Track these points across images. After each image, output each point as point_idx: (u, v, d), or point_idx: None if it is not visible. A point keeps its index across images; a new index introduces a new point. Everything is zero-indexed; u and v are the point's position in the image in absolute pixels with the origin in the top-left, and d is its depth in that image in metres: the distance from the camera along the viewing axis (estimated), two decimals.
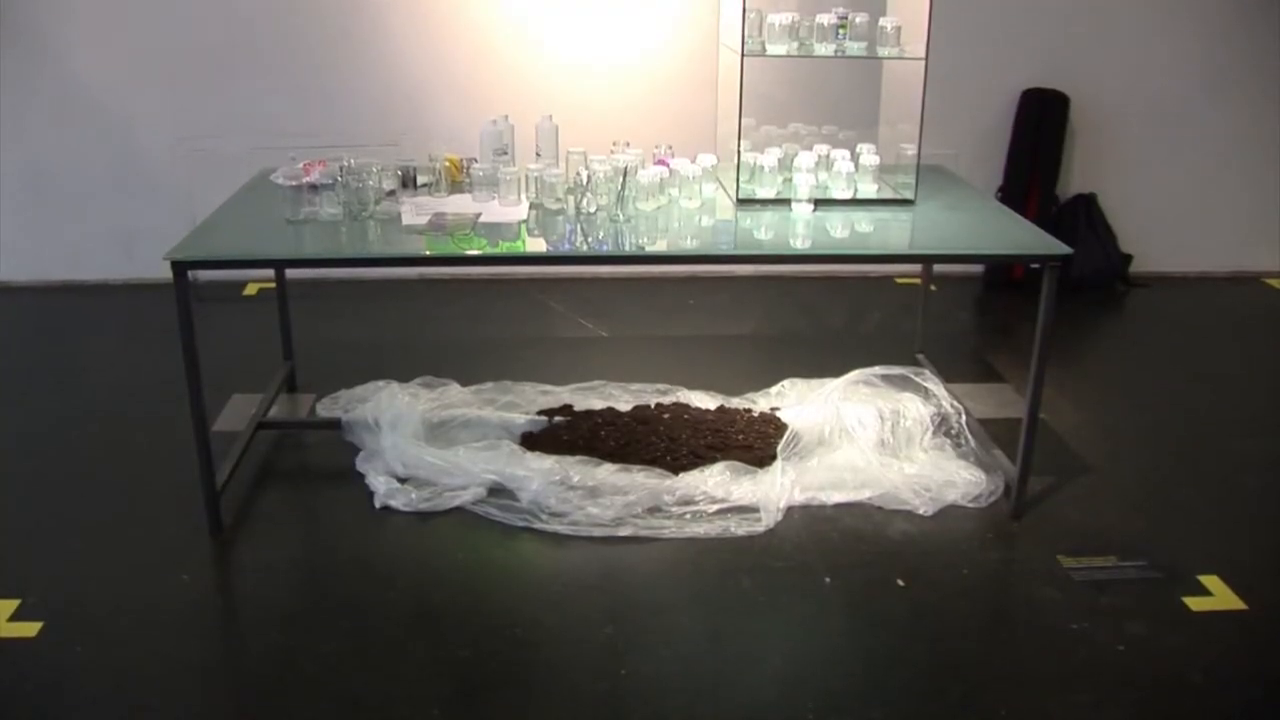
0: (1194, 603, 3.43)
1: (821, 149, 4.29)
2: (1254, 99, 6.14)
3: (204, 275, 5.62)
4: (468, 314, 5.68)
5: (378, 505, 3.85)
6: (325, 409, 4.49)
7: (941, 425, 4.26)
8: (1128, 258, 6.20)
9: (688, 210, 4.06)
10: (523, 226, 3.88)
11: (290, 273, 4.74)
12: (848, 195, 4.15)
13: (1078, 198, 6.19)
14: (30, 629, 3.24)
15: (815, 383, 4.50)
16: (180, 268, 3.44)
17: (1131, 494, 4.05)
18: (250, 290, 5.88)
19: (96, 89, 5.74)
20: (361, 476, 3.99)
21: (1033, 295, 3.71)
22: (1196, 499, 4.05)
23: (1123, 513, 3.93)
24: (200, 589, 3.48)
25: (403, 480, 3.94)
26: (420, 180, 4.13)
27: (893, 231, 4.01)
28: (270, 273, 4.85)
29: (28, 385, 4.87)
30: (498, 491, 3.90)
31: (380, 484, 3.91)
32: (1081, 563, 3.61)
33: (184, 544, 3.66)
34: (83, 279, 6.01)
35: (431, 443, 4.12)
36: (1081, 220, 6.13)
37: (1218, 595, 3.46)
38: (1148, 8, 5.95)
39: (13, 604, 3.34)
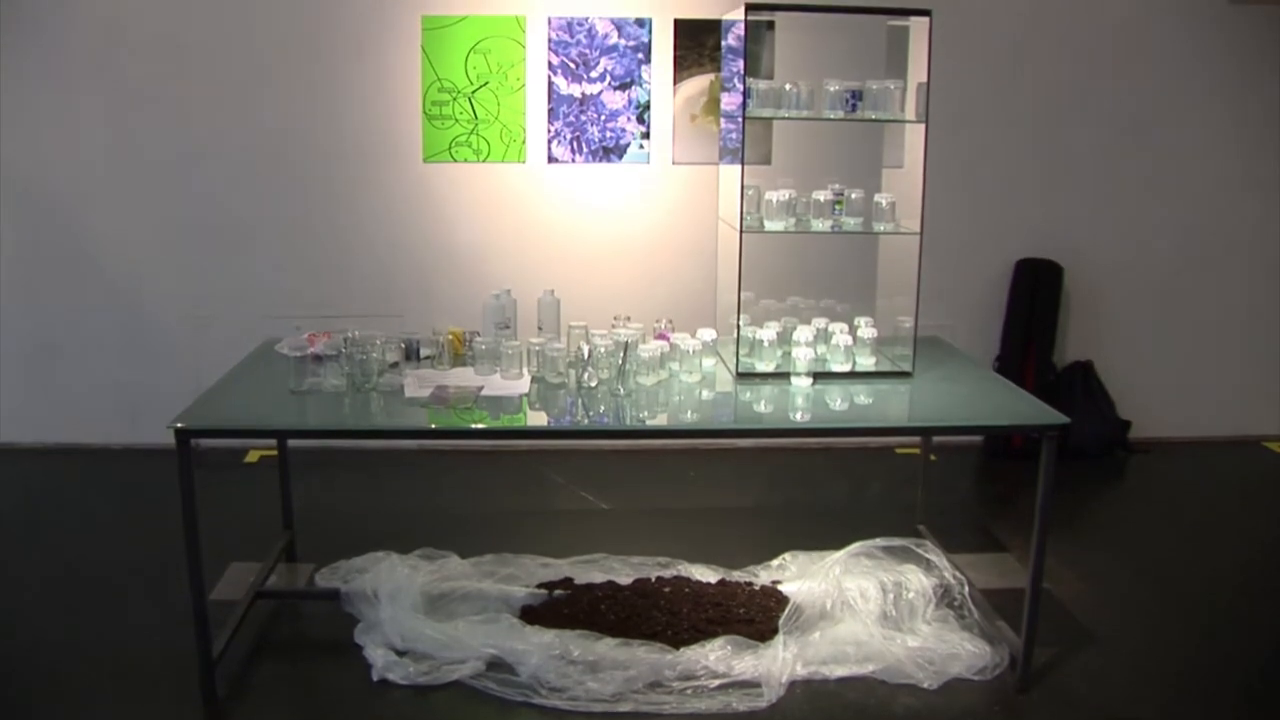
0: None
1: (820, 322, 4.36)
2: (1246, 262, 6.27)
3: (206, 441, 5.64)
4: (468, 485, 5.68)
5: (375, 678, 3.79)
6: (324, 579, 4.47)
7: (944, 597, 4.22)
8: (1127, 424, 6.22)
9: (688, 384, 4.10)
10: (524, 400, 3.92)
11: (292, 441, 4.76)
12: (846, 368, 4.20)
13: (1075, 365, 6.24)
14: None
15: (816, 555, 4.47)
16: (184, 436, 3.47)
17: (1139, 664, 4.00)
18: (252, 457, 5.89)
19: (105, 254, 5.86)
20: (360, 648, 3.95)
21: (1033, 463, 3.71)
22: (1206, 669, 3.99)
23: (1131, 683, 3.87)
24: None
25: (401, 653, 3.89)
26: (423, 353, 4.18)
27: (891, 404, 4.05)
28: (272, 440, 4.87)
29: (26, 548, 4.85)
30: (497, 666, 3.84)
31: (378, 656, 3.86)
32: None
33: (178, 714, 3.61)
34: (85, 442, 6.03)
35: (431, 615, 4.08)
36: (1079, 387, 6.17)
37: None
38: (1135, 178, 6.12)
39: None
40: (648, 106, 5.81)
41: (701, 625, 4.04)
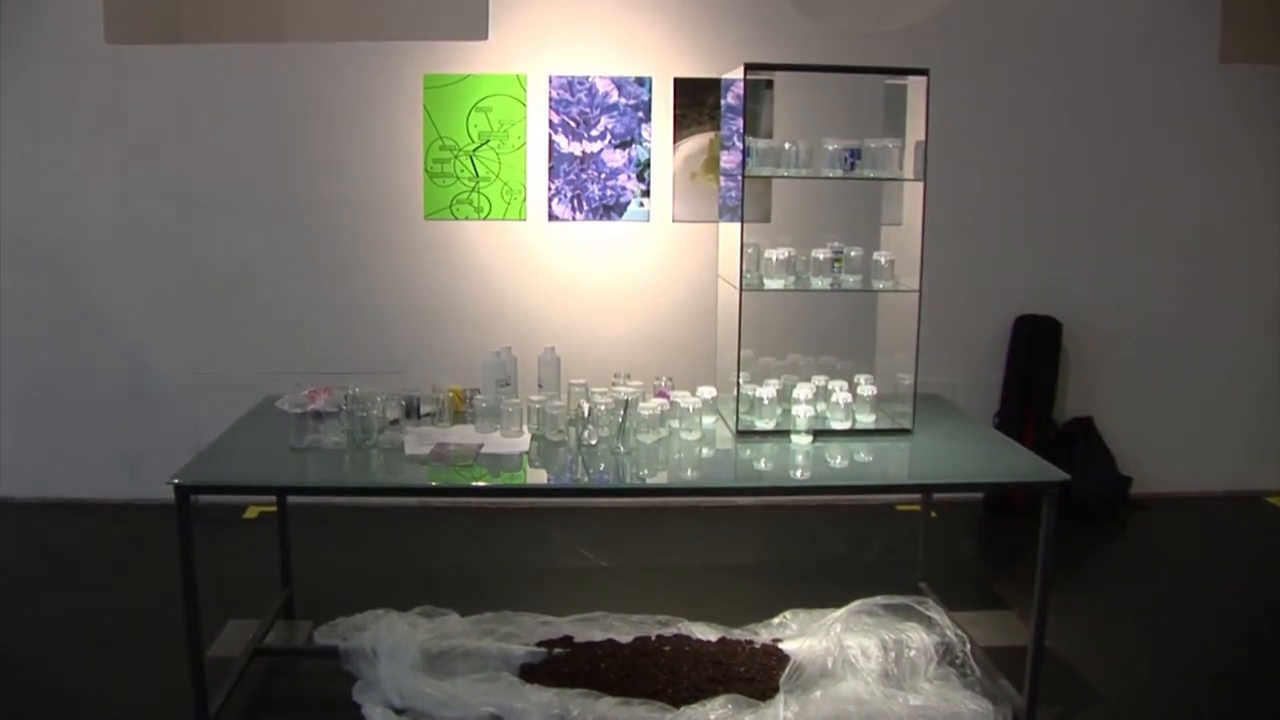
0: None
1: (819, 380, 4.36)
2: (1244, 317, 6.29)
3: (205, 497, 5.63)
4: (468, 543, 5.66)
5: None
6: (323, 637, 4.43)
7: (946, 655, 4.19)
8: (1128, 479, 6.21)
9: (688, 442, 4.10)
10: (524, 458, 3.92)
11: (292, 497, 4.75)
12: (846, 426, 4.20)
13: (1075, 421, 6.24)
14: None
15: (817, 613, 4.45)
16: (184, 491, 3.47)
17: None
18: (251, 513, 5.88)
19: (106, 309, 5.89)
20: (358, 707, 3.92)
21: (1034, 520, 3.71)
22: None
23: None
24: None
25: (400, 711, 3.87)
26: (424, 410, 4.19)
27: (892, 461, 4.05)
28: (272, 496, 4.86)
29: (22, 602, 4.83)
30: None
31: (377, 715, 3.84)
32: None
33: None
34: (83, 497, 6.02)
35: (429, 673, 4.05)
36: (1080, 443, 6.16)
37: None
38: (1131, 234, 6.16)
39: None
40: (648, 165, 5.86)
41: (702, 684, 4.02)
